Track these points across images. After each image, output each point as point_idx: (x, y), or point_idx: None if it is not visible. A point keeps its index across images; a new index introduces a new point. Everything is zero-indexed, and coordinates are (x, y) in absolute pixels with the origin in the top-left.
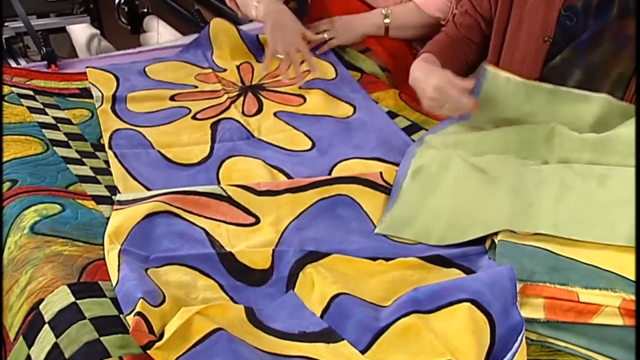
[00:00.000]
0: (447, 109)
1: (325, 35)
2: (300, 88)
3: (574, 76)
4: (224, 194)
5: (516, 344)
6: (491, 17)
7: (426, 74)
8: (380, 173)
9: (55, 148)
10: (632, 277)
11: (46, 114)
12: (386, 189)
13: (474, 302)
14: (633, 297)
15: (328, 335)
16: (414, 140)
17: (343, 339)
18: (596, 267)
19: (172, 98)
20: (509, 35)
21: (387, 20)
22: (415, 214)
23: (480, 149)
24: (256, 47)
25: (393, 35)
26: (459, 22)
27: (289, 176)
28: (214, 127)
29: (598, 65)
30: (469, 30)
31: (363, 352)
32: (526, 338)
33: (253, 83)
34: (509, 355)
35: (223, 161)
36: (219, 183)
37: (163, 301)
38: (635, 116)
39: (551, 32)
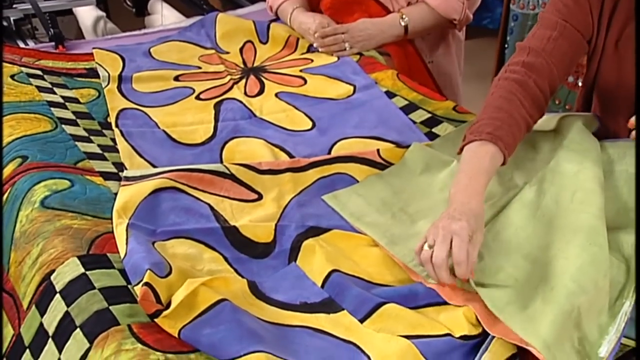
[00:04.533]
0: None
1: (346, 46)
2: (301, 71)
3: None
4: (228, 171)
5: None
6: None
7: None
8: (378, 150)
9: (63, 126)
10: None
11: (54, 93)
12: (384, 166)
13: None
14: None
15: (328, 306)
16: (411, 120)
17: (343, 309)
18: None
19: (176, 78)
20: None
21: (404, 24)
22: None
23: None
24: (262, 27)
25: (410, 38)
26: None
27: (290, 155)
28: (217, 107)
29: None
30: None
31: (362, 320)
32: None
33: (255, 65)
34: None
35: (226, 142)
36: (222, 163)
37: (169, 272)
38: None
39: None
